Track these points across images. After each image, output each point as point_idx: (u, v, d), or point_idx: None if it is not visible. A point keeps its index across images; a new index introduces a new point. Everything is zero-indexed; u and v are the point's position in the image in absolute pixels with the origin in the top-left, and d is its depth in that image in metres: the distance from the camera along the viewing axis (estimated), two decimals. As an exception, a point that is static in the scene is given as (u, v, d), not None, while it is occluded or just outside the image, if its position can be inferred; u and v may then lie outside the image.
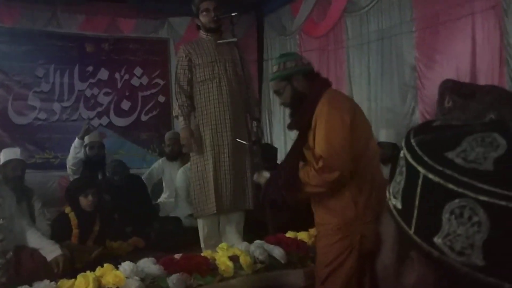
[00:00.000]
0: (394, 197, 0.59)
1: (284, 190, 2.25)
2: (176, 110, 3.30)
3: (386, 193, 0.62)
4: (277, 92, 2.42)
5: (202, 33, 3.38)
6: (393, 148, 4.68)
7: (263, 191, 2.46)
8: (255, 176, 2.65)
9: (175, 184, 4.89)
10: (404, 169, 0.57)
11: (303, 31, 6.18)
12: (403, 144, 0.61)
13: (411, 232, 0.54)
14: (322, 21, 5.78)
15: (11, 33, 5.75)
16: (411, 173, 0.55)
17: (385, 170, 4.66)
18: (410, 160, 0.56)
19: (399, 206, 0.57)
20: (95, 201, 3.46)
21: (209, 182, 3.17)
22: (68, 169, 4.55)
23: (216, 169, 3.17)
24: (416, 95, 4.83)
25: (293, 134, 6.31)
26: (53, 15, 5.94)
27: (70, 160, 4.52)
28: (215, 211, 3.17)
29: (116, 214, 3.87)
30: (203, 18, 3.31)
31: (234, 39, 3.28)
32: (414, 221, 0.54)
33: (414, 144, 0.57)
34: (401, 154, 0.60)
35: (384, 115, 5.19)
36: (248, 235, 3.30)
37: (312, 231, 2.94)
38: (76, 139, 4.48)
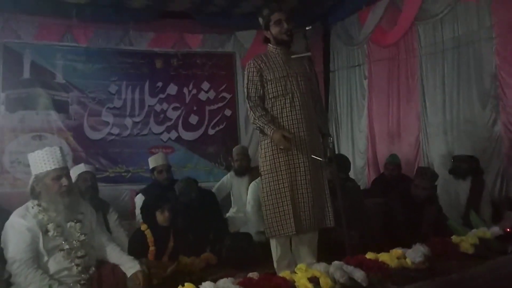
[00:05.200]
0: None
1: None
2: (256, 124, 3.10)
3: None
4: None
5: (271, 46, 3.23)
6: (471, 161, 4.44)
7: None
8: None
9: (243, 199, 4.88)
10: None
11: (371, 41, 6.02)
12: None
13: None
14: (392, 30, 5.59)
15: (86, 52, 6.06)
16: None
17: (463, 185, 4.42)
18: None
19: None
20: (170, 216, 3.51)
21: (285, 202, 3.03)
22: None
23: (293, 188, 3.04)
24: (498, 105, 4.55)
25: (362, 146, 6.21)
26: (125, 34, 6.19)
27: None
28: (295, 232, 3.05)
29: (191, 232, 3.87)
30: (274, 30, 3.14)
31: (309, 53, 3.16)
32: None
33: None
34: None
35: (461, 127, 4.92)
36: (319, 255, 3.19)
37: (395, 252, 2.79)
38: None
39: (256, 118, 3.10)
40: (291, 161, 3.07)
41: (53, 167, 2.67)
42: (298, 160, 3.07)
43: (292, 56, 3.19)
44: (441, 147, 5.11)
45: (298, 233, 3.06)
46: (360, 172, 6.27)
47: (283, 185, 3.05)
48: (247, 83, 3.20)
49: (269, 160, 3.11)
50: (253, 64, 3.18)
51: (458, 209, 4.31)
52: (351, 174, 4.87)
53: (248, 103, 3.19)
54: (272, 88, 3.14)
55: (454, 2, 4.84)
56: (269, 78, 3.14)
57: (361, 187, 5.19)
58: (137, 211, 4.33)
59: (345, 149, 6.57)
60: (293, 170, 3.06)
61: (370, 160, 6.15)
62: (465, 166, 4.44)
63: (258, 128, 3.13)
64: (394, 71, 5.74)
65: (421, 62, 5.35)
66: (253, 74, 3.17)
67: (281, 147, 3.00)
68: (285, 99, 3.12)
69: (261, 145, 3.22)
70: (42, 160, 2.68)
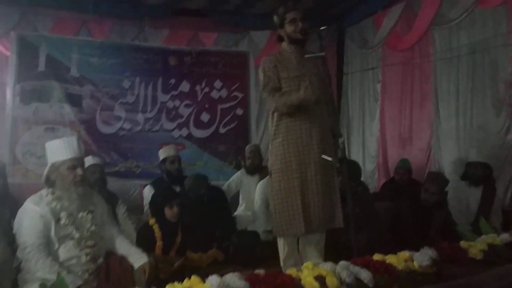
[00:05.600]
0: None
1: None
2: (280, 104, 3.04)
3: None
4: None
5: (285, 45, 3.23)
6: (485, 168, 4.41)
7: None
8: None
9: (252, 198, 4.89)
10: None
11: (386, 44, 5.99)
12: None
13: None
14: (407, 34, 5.56)
15: (101, 47, 6.10)
16: None
17: (475, 192, 4.40)
18: None
19: None
20: (179, 211, 3.53)
21: (294, 201, 3.03)
22: None
23: (303, 188, 3.03)
24: (512, 112, 4.51)
25: (373, 150, 6.19)
26: (141, 30, 6.23)
27: None
28: (304, 232, 3.04)
29: (198, 228, 3.89)
30: (289, 28, 3.15)
31: (322, 53, 3.15)
32: None
33: None
34: None
35: (474, 133, 4.88)
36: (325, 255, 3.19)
37: (402, 254, 2.77)
38: None
39: (277, 99, 3.06)
40: (301, 160, 3.06)
41: (69, 157, 2.71)
42: (309, 159, 3.06)
43: (306, 56, 3.18)
44: (452, 153, 5.07)
45: (307, 233, 3.06)
46: (370, 176, 6.24)
47: (293, 184, 3.05)
48: (263, 76, 3.18)
49: (280, 159, 3.12)
50: (269, 60, 3.20)
51: (467, 216, 4.28)
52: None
53: (264, 94, 3.19)
54: (285, 87, 3.13)
55: (471, 8, 4.80)
56: (283, 76, 3.14)
57: (371, 191, 5.16)
58: (145, 201, 4.36)
59: (355, 153, 6.55)
60: (304, 170, 3.06)
61: (380, 164, 6.12)
62: (479, 173, 4.40)
63: (283, 107, 3.05)
64: (407, 75, 5.71)
65: (436, 67, 5.31)
66: (269, 68, 3.17)
67: (309, 100, 2.97)
68: None
69: (272, 144, 3.22)
70: (59, 149, 2.72)
